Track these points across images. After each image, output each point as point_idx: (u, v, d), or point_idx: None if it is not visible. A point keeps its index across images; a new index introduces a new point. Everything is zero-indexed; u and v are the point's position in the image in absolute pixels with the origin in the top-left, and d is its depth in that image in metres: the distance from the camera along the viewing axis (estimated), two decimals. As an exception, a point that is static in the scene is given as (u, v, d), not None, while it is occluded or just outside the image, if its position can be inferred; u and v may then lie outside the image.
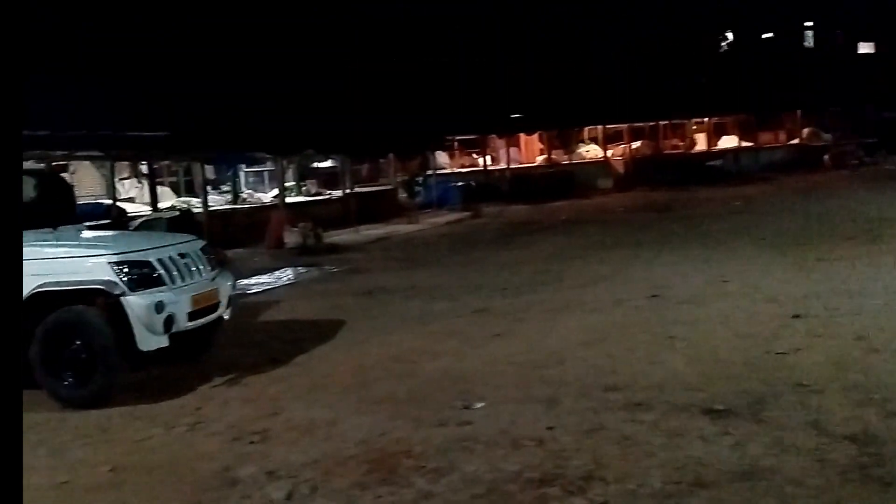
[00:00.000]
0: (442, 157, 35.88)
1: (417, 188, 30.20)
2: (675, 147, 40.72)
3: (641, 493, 4.19)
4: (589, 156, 38.78)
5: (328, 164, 29.76)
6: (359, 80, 29.31)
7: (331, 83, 27.46)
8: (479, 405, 5.82)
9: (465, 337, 8.14)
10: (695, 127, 41.17)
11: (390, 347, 7.87)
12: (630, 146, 38.90)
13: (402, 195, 29.73)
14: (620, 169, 36.43)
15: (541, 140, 39.85)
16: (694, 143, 40.87)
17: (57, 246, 6.92)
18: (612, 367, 6.53)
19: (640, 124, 39.60)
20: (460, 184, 30.61)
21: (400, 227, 22.93)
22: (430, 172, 30.61)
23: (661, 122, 40.27)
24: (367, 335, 8.55)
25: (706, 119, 40.39)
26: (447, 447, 5.07)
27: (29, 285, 6.41)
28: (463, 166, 37.79)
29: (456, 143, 38.21)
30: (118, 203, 19.51)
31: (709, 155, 38.28)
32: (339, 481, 4.65)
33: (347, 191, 25.92)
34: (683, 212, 21.10)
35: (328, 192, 27.47)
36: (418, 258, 15.72)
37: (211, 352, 7.78)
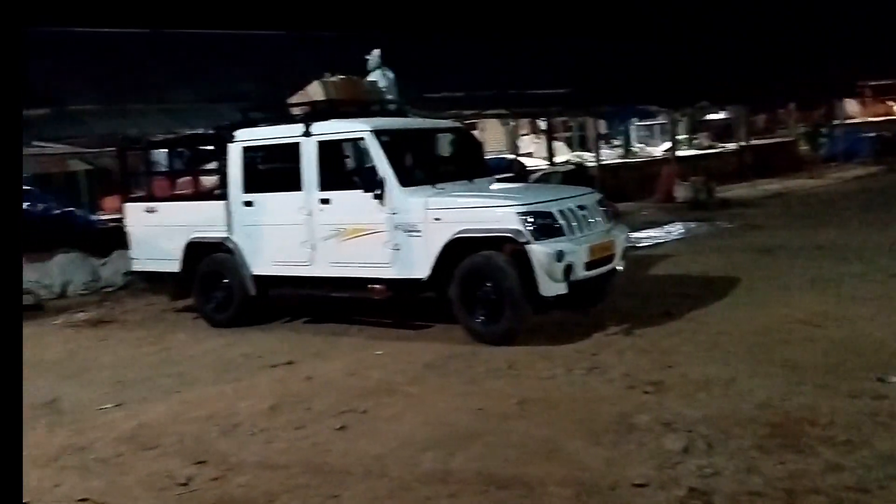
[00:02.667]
0: (851, 106, 32.28)
1: (821, 140, 27.65)
2: None
3: None
4: None
5: (722, 115, 28.50)
6: (754, 25, 27.49)
7: (726, 31, 26.15)
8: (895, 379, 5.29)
9: (881, 304, 7.37)
10: None
11: (793, 309, 7.43)
12: None
13: (804, 147, 27.44)
14: None
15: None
16: None
17: (472, 197, 7.65)
18: None
19: None
20: (872, 135, 27.36)
21: (800, 182, 21.25)
22: (836, 122, 27.77)
23: None
24: (766, 295, 8.16)
25: None
26: (859, 420, 4.70)
27: (451, 231, 7.21)
28: (876, 115, 33.62)
29: (868, 90, 34.07)
30: (518, 158, 20.79)
31: None
32: (737, 441, 4.57)
33: (742, 143, 24.63)
34: None
35: (721, 144, 26.36)
36: (822, 215, 14.48)
37: (605, 302, 8.03)
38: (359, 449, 4.88)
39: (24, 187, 13.03)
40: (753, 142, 25.26)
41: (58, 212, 12.76)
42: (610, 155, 24.55)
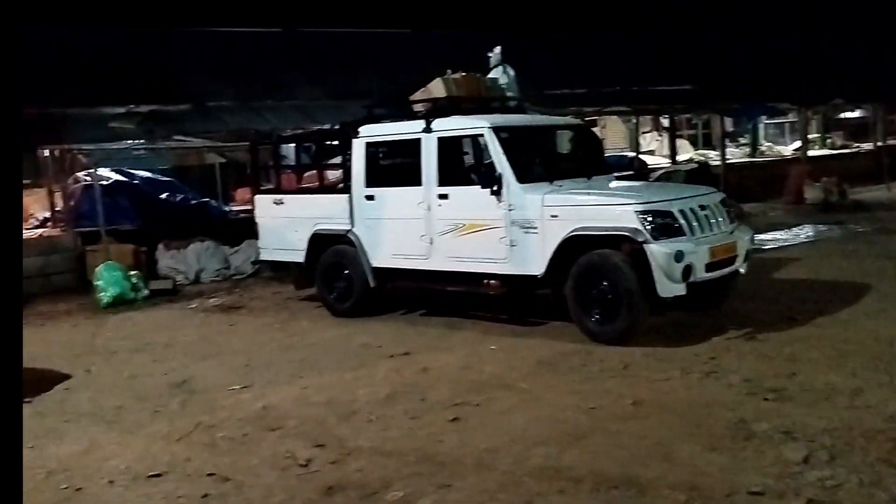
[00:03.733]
0: None
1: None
2: None
3: None
4: None
5: (857, 114, 27.03)
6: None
7: (863, 24, 24.76)
8: None
9: None
10: None
11: (930, 320, 7.03)
12: None
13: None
14: None
15: None
16: None
17: (590, 194, 7.61)
18: None
19: None
20: None
21: (945, 185, 19.92)
22: None
23: None
24: (900, 304, 7.75)
25: None
26: None
27: (568, 228, 7.20)
28: None
29: None
30: (639, 156, 20.42)
31: None
32: (861, 454, 4.39)
33: (879, 143, 23.28)
34: None
35: (856, 144, 25.02)
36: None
37: (726, 304, 7.82)
38: (471, 441, 4.98)
39: (166, 178, 13.87)
40: (891, 142, 23.84)
41: (194, 202, 13.45)
42: (736, 154, 23.76)
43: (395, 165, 8.95)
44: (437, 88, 8.87)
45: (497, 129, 7.86)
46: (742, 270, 7.63)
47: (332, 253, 9.14)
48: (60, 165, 13.38)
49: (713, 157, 21.09)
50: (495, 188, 7.63)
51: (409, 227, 8.39)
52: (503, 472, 4.48)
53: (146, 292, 10.95)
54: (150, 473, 4.78)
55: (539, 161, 8.45)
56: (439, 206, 8.17)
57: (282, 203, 9.75)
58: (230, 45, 16.59)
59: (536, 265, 7.47)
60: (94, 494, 4.55)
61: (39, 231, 13.14)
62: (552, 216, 7.36)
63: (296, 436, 5.28)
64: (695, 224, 7.12)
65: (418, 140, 8.33)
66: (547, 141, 9.09)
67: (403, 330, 8.26)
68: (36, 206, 14.86)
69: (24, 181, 16.04)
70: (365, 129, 8.95)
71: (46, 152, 13.39)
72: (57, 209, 13.48)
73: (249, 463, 4.87)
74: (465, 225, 7.98)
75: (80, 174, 13.15)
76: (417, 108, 8.90)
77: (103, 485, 4.67)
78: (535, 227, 7.46)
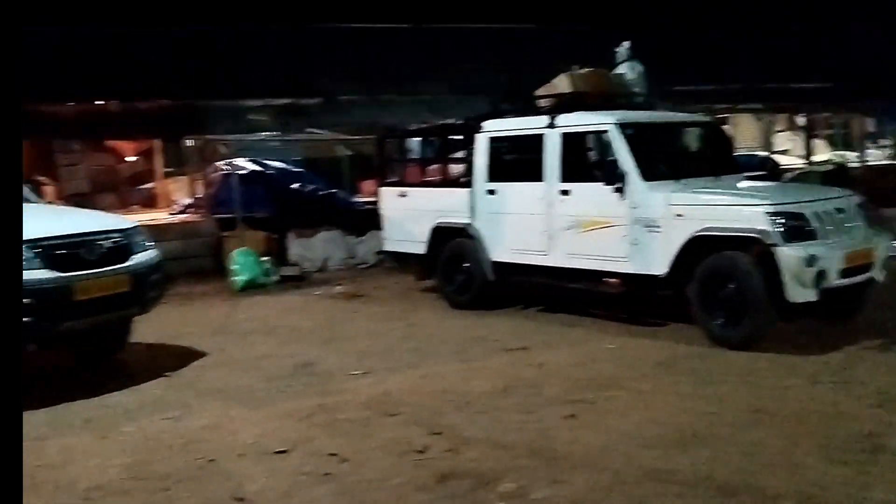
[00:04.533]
0: None
1: None
2: None
3: None
4: None
5: None
6: None
7: None
8: None
9: None
10: None
11: None
12: None
13: None
14: None
15: None
16: None
17: (718, 194, 7.42)
18: None
19: None
20: None
21: None
22: None
23: None
24: None
25: None
26: None
27: (693, 228, 7.05)
28: None
29: None
30: (772, 155, 19.62)
31: None
32: None
33: None
34: None
35: None
36: None
37: (860, 313, 7.46)
38: (584, 439, 4.98)
39: (297, 169, 14.41)
40: None
41: (323, 193, 13.93)
42: (877, 155, 22.42)
43: (518, 160, 9.00)
44: (562, 84, 8.86)
45: (623, 126, 7.77)
46: (878, 278, 7.26)
47: (452, 246, 9.29)
48: (202, 155, 14.17)
49: (852, 158, 19.99)
50: (619, 185, 7.56)
51: (530, 223, 8.42)
52: (616, 471, 4.46)
53: (276, 278, 11.46)
54: (277, 449, 5.02)
55: (665, 159, 8.30)
56: (561, 202, 8.15)
57: (405, 196, 9.98)
58: (361, 41, 17.04)
59: (659, 265, 7.35)
60: (226, 466, 4.83)
61: (181, 217, 13.95)
62: (677, 215, 7.22)
63: (412, 423, 5.43)
64: (829, 227, 6.83)
65: (541, 135, 8.34)
66: (674, 138, 8.92)
67: (520, 325, 8.31)
68: (179, 192, 15.81)
69: (168, 169, 17.13)
70: (488, 124, 9.04)
71: (190, 142, 14.19)
72: (197, 196, 14.26)
73: (368, 445, 5.05)
74: (586, 222, 7.94)
75: (220, 163, 13.86)
76: (541, 103, 8.92)
77: (234, 457, 4.95)
78: (659, 226, 7.34)
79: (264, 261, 11.47)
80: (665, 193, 7.38)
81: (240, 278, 11.07)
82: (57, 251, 6.23)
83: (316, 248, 12.69)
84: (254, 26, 16.50)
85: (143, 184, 17.39)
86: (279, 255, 12.40)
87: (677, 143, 8.99)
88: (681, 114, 10.02)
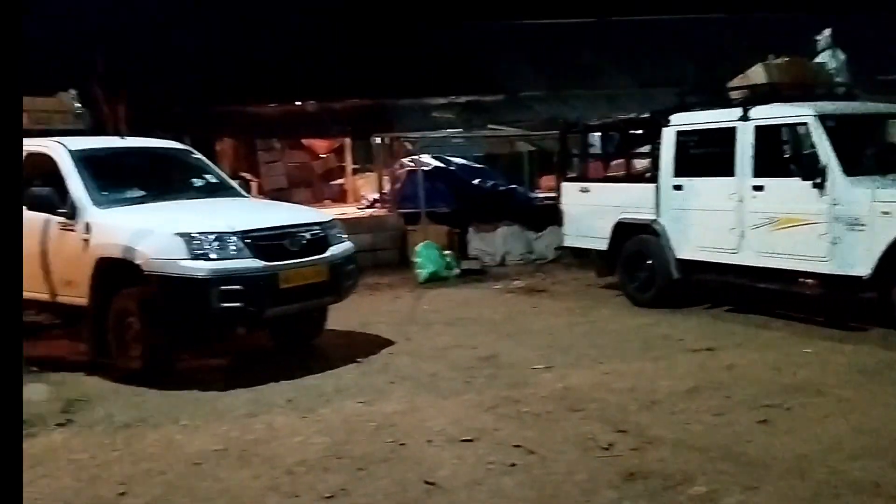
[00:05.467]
0: None
1: None
2: None
3: None
4: None
5: None
6: None
7: None
8: None
9: None
10: None
11: None
12: None
13: None
14: None
15: None
16: None
17: None
18: None
19: None
20: None
21: None
22: None
23: None
24: None
25: None
26: None
27: None
28: None
29: None
30: None
31: None
32: None
33: None
34: None
35: None
36: None
37: None
38: (780, 445, 4.78)
39: (478, 165, 14.67)
40: None
41: (503, 188, 14.11)
42: None
43: (707, 155, 8.72)
44: (756, 75, 8.50)
45: (823, 117, 7.36)
46: None
47: (635, 242, 9.14)
48: (389, 151, 14.74)
49: None
50: (818, 180, 7.17)
51: (719, 219, 8.14)
52: (817, 481, 4.25)
53: (458, 271, 11.75)
54: (463, 438, 5.18)
55: (870, 152, 7.79)
56: (753, 198, 7.83)
57: (587, 191, 9.92)
58: (542, 35, 17.07)
59: (862, 265, 6.91)
60: (415, 451, 5.04)
61: (369, 211, 14.59)
62: (884, 213, 6.75)
63: (597, 419, 5.42)
64: None
65: (733, 129, 8.05)
66: (879, 131, 8.36)
67: (707, 324, 8.05)
68: (367, 187, 16.53)
69: (356, 165, 17.94)
70: (676, 118, 8.81)
71: (377, 140, 14.81)
72: (384, 191, 14.86)
73: (553, 439, 5.10)
74: (780, 219, 7.58)
75: (405, 160, 14.37)
76: (734, 95, 8.58)
77: (422, 443, 5.15)
78: (863, 224, 6.89)
79: (446, 254, 11.79)
80: (870, 189, 6.92)
81: (423, 271, 11.44)
82: (264, 242, 6.74)
83: (496, 242, 12.88)
84: (438, 24, 16.94)
85: (334, 180, 18.32)
86: (460, 249, 12.68)
87: (882, 136, 8.40)
88: (886, 105, 9.33)
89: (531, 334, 8.08)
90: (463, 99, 14.95)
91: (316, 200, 16.17)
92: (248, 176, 14.81)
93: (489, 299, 10.21)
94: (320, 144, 18.35)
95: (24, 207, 6.55)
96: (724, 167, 8.11)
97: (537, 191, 15.14)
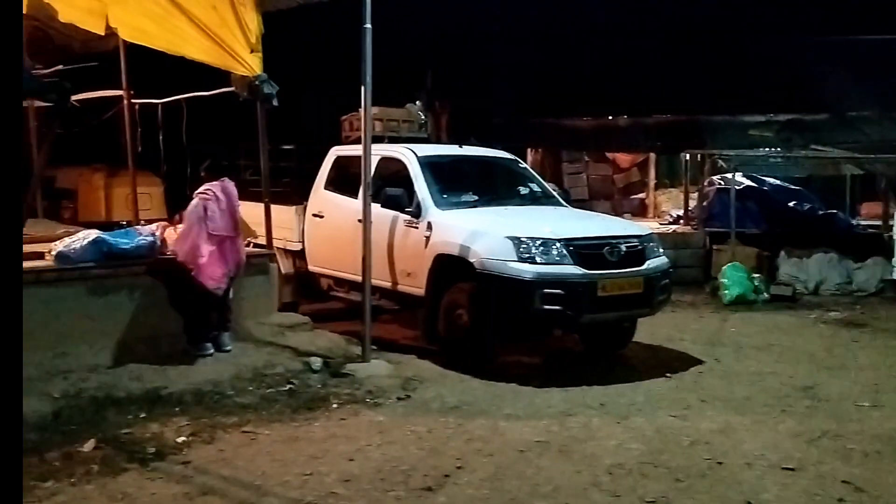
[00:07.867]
0: None
1: None
2: None
3: None
4: None
5: None
6: None
7: None
8: None
9: None
10: None
11: None
12: None
13: None
14: None
15: None
16: None
17: None
18: None
19: None
20: None
21: None
22: None
23: None
24: None
25: None
26: None
27: None
28: None
29: None
30: None
31: None
32: None
33: None
34: None
35: None
36: None
37: None
38: None
39: (794, 187, 13.92)
40: None
41: (821, 213, 13.29)
42: None
43: None
44: None
45: None
46: None
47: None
48: (699, 168, 14.48)
49: None
50: None
51: None
52: None
53: (766, 296, 11.29)
54: (784, 465, 5.07)
55: None
56: None
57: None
58: (875, 52, 15.71)
59: None
60: (734, 471, 5.02)
61: (673, 227, 14.43)
62: None
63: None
64: None
65: None
66: None
67: None
68: (668, 203, 16.38)
69: (655, 181, 17.79)
70: None
71: (686, 155, 14.60)
72: (690, 208, 14.62)
73: (885, 481, 4.84)
74: None
75: (715, 178, 14.04)
76: None
77: (741, 465, 5.12)
78: None
79: (755, 277, 11.38)
80: None
81: (729, 292, 11.13)
82: (585, 250, 7.06)
83: (810, 269, 12.17)
84: (757, 39, 16.24)
85: (634, 193, 18.32)
86: (769, 273, 12.16)
87: None
88: None
89: (853, 369, 7.62)
90: (783, 117, 14.23)
91: (615, 213, 16.28)
92: (553, 186, 15.29)
93: (802, 328, 9.72)
94: (623, 158, 18.44)
95: (378, 205, 7.51)
96: None
97: (858, 217, 14.06)
